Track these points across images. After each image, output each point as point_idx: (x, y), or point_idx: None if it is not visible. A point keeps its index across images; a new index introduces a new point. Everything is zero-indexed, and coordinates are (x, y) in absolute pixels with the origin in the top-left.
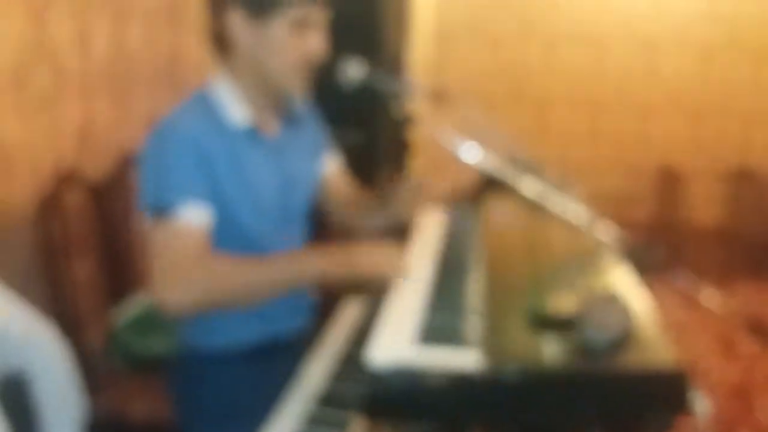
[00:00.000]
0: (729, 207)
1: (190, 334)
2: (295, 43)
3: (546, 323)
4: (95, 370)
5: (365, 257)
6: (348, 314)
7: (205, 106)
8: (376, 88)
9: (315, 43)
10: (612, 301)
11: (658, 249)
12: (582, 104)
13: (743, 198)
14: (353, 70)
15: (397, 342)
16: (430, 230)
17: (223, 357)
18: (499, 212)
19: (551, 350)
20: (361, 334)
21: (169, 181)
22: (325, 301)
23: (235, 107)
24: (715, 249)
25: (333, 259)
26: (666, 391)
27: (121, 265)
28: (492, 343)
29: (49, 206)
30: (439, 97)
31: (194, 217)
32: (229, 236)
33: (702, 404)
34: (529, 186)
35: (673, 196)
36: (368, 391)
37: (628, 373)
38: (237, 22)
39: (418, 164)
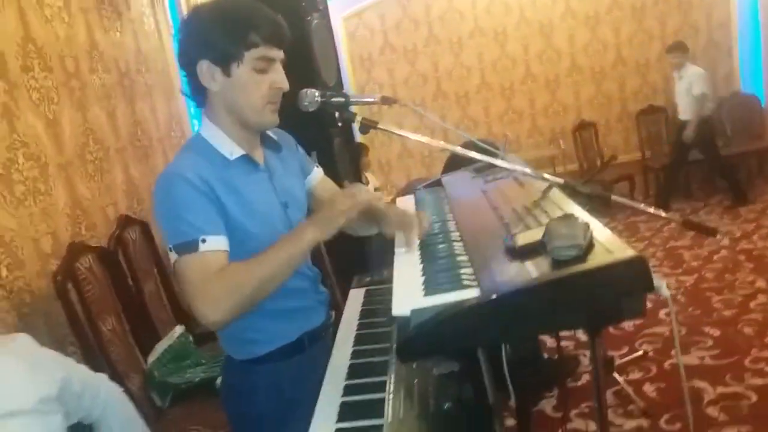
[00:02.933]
0: (639, 141)
1: (233, 348)
2: (259, 80)
3: (520, 253)
4: (141, 412)
5: (337, 203)
6: (353, 303)
7: (200, 147)
8: (333, 106)
9: (276, 77)
10: (570, 217)
11: (595, 185)
12: (496, 90)
13: (649, 131)
14: (311, 97)
15: (411, 297)
16: (407, 207)
17: (267, 360)
18: (458, 183)
19: (532, 270)
20: (367, 316)
21: (186, 221)
22: (336, 295)
23: (226, 143)
24: (638, 177)
25: (317, 221)
26: (632, 275)
27: (141, 316)
28: (483, 279)
29: (64, 277)
30: (388, 101)
31: (214, 246)
32: (249, 254)
33: (662, 284)
34: (481, 157)
35: (592, 144)
36: (398, 339)
37: (599, 269)
38: (206, 72)
39: (368, 162)
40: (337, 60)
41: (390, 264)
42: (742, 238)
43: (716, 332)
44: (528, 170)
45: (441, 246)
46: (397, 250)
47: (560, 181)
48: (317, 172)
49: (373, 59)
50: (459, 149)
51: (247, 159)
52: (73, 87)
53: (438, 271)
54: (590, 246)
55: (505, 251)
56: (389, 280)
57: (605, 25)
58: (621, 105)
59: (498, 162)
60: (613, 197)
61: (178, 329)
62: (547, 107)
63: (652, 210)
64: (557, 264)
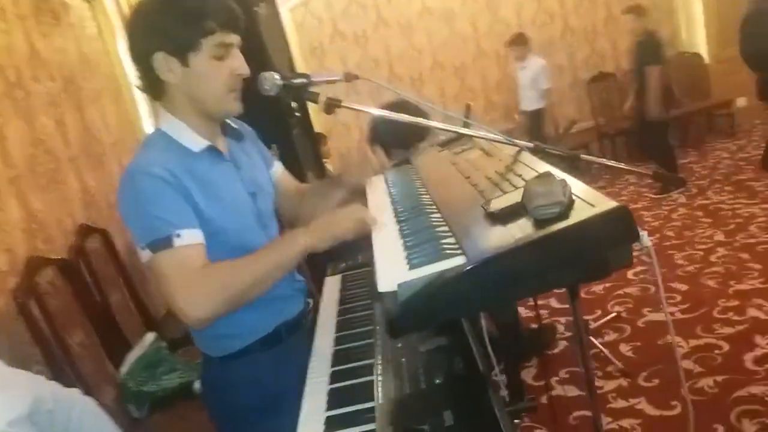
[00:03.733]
0: (592, 108)
1: (209, 346)
2: (218, 68)
3: (501, 218)
4: (118, 424)
5: (336, 218)
6: (330, 290)
7: (162, 142)
8: (295, 87)
9: (236, 62)
10: (547, 176)
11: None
12: (449, 70)
13: (601, 98)
14: (271, 80)
15: (396, 272)
16: (377, 187)
17: (245, 354)
18: (427, 159)
19: (515, 233)
20: (347, 301)
21: (157, 218)
22: (313, 281)
23: (187, 136)
24: (593, 144)
25: (313, 230)
26: (618, 226)
27: (109, 327)
28: (467, 247)
29: (24, 293)
30: (351, 77)
31: (190, 240)
32: (219, 247)
33: (643, 234)
34: (445, 128)
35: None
36: (387, 316)
37: (583, 223)
38: (163, 65)
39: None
40: (288, 50)
41: (363, 249)
42: (698, 194)
43: (683, 287)
44: (496, 136)
45: (418, 219)
46: (373, 229)
47: (530, 144)
48: (278, 166)
49: (324, 48)
50: (427, 122)
51: (212, 150)
52: (16, 97)
53: (419, 243)
54: (570, 202)
55: (485, 217)
56: (366, 265)
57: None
58: (572, 74)
59: (465, 130)
60: (583, 156)
61: (150, 337)
62: (500, 83)
63: (623, 165)
64: (540, 224)
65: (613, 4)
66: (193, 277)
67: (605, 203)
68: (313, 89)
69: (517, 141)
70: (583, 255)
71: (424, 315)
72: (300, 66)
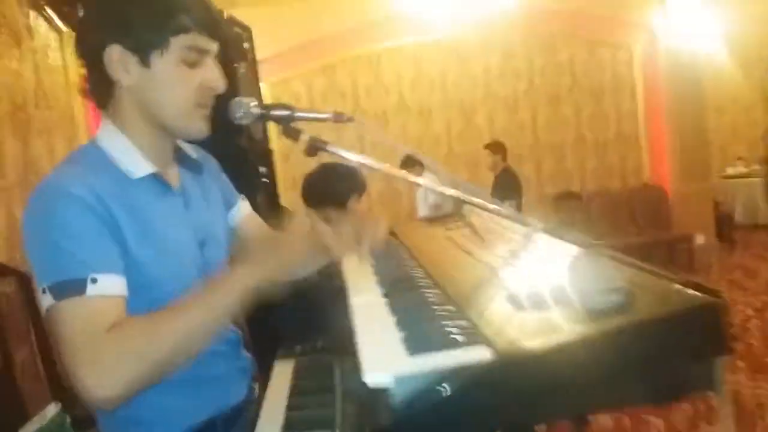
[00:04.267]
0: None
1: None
2: (187, 76)
3: (534, 303)
4: None
5: (283, 241)
6: (279, 378)
7: (93, 159)
8: (274, 119)
9: (209, 73)
10: (596, 257)
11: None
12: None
13: (566, 217)
14: (246, 107)
15: (390, 359)
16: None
17: None
18: (413, 232)
19: (562, 322)
20: (300, 394)
21: (70, 253)
22: (260, 363)
23: (129, 156)
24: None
25: (254, 262)
26: (705, 324)
27: (7, 390)
28: (491, 335)
29: None
30: (342, 119)
31: (108, 290)
32: (148, 305)
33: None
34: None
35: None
36: (376, 420)
37: (658, 317)
38: (115, 60)
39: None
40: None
41: (320, 331)
42: None
43: None
44: (502, 210)
45: (411, 295)
46: (353, 300)
47: (540, 226)
48: (243, 206)
49: (298, 125)
50: (422, 181)
51: (156, 179)
52: None
53: (416, 322)
54: (625, 287)
55: (507, 299)
56: (326, 350)
57: (523, 109)
58: (538, 187)
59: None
60: (604, 248)
61: (52, 408)
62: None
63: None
64: (595, 314)
65: (583, 125)
66: (103, 339)
67: (687, 297)
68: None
69: (529, 219)
70: (652, 362)
71: (437, 424)
72: (273, 139)
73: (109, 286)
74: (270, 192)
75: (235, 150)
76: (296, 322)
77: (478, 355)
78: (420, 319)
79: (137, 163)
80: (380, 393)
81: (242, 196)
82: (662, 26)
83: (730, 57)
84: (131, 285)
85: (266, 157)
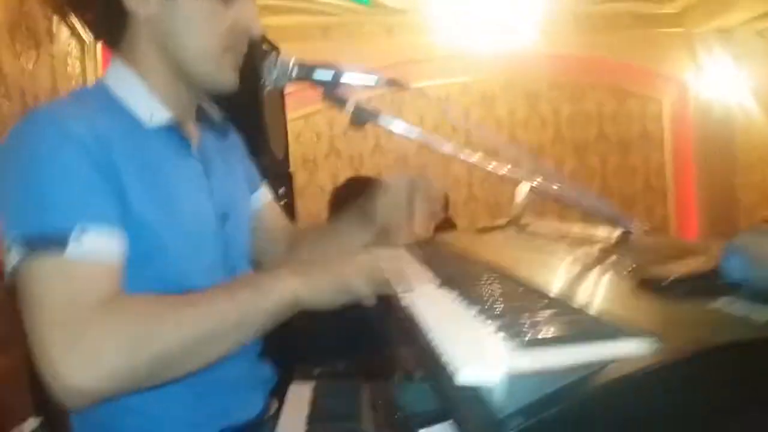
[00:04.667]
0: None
1: None
2: (219, 13)
3: (684, 290)
4: None
5: (343, 262)
6: (295, 400)
7: (102, 98)
8: (318, 83)
9: (244, 11)
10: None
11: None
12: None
13: None
14: (284, 66)
15: (490, 353)
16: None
17: None
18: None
19: (738, 309)
20: (321, 419)
21: (53, 197)
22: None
23: (143, 101)
24: None
25: (305, 273)
26: None
27: None
28: (653, 326)
29: None
30: (396, 84)
31: (98, 250)
32: (149, 281)
33: None
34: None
35: None
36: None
37: None
38: None
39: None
40: (286, 137)
41: (343, 353)
42: None
43: None
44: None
45: (492, 287)
46: (407, 295)
47: (642, 227)
48: (265, 193)
49: (317, 162)
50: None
51: (174, 131)
52: None
53: (514, 313)
54: None
55: (644, 287)
56: (349, 374)
57: (548, 158)
58: None
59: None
60: None
61: (31, 423)
62: None
63: None
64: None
65: (609, 176)
66: (88, 315)
67: None
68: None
69: (625, 218)
70: None
71: None
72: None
73: (99, 246)
74: (288, 214)
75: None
76: (318, 341)
77: (640, 347)
78: (516, 310)
79: (151, 108)
80: (473, 399)
81: (265, 181)
82: (694, 80)
83: (763, 114)
84: (132, 253)
85: (286, 179)
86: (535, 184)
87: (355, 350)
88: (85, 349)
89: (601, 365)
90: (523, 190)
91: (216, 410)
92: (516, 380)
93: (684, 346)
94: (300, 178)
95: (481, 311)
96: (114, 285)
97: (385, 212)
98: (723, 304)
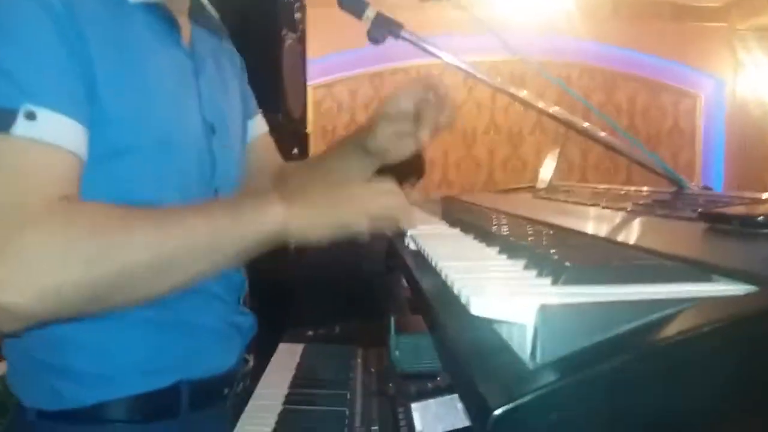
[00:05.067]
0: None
1: (28, 386)
2: None
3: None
4: None
5: (346, 197)
6: (281, 361)
7: None
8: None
9: None
10: None
11: None
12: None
13: None
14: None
15: (524, 288)
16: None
17: (89, 420)
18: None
19: None
20: (307, 381)
21: (5, 68)
22: (263, 339)
23: None
24: None
25: (300, 203)
26: None
27: None
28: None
29: None
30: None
31: (56, 133)
32: (113, 187)
33: None
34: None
35: None
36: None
37: None
38: None
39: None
40: (305, 97)
41: (342, 316)
42: None
43: None
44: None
45: (502, 230)
46: (413, 232)
47: (695, 185)
48: (260, 123)
49: (336, 133)
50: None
51: (160, 12)
52: None
53: (544, 249)
54: None
55: (718, 227)
56: (344, 339)
57: (573, 146)
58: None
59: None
60: None
61: None
62: None
63: None
64: None
65: (637, 114)
66: (35, 210)
67: None
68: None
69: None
70: None
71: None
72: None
73: (56, 130)
74: None
75: (269, 125)
76: (313, 301)
77: (730, 289)
78: (551, 247)
79: None
80: (488, 343)
81: (261, 111)
82: (732, 77)
83: None
84: (93, 153)
85: (302, 139)
86: (585, 126)
87: (352, 312)
88: (21, 256)
89: (679, 306)
90: (553, 156)
91: (179, 358)
92: (554, 320)
93: None
94: (318, 149)
95: (504, 250)
96: (70, 182)
97: (386, 133)
98: None
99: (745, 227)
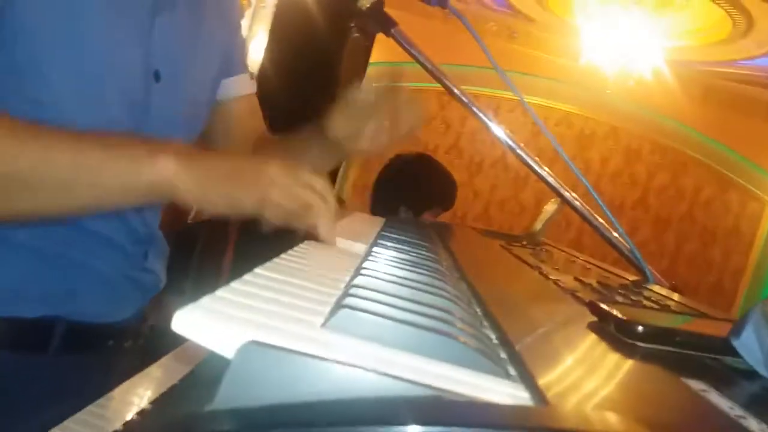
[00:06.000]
0: None
1: None
2: None
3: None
4: None
5: (254, 176)
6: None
7: None
8: None
9: None
10: None
11: None
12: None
13: None
14: None
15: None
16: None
17: None
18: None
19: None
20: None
21: None
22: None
23: None
24: None
25: (195, 163)
26: None
27: None
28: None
29: None
30: None
31: None
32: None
33: None
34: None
35: None
36: None
37: None
38: None
39: None
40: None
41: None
42: None
43: None
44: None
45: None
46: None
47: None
48: (243, 83)
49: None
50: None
51: None
52: None
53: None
54: None
55: (602, 327)
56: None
57: (626, 222)
58: None
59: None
60: None
61: None
62: None
63: None
64: None
65: (681, 261)
66: None
67: None
68: None
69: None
70: None
71: None
72: None
73: None
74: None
75: (316, 109)
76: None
77: (508, 392)
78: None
79: None
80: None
81: (251, 73)
82: None
83: None
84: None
85: None
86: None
87: None
88: None
89: (421, 391)
90: (551, 207)
91: (53, 292)
92: (255, 361)
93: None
94: None
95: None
96: None
97: (339, 120)
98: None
99: (619, 331)
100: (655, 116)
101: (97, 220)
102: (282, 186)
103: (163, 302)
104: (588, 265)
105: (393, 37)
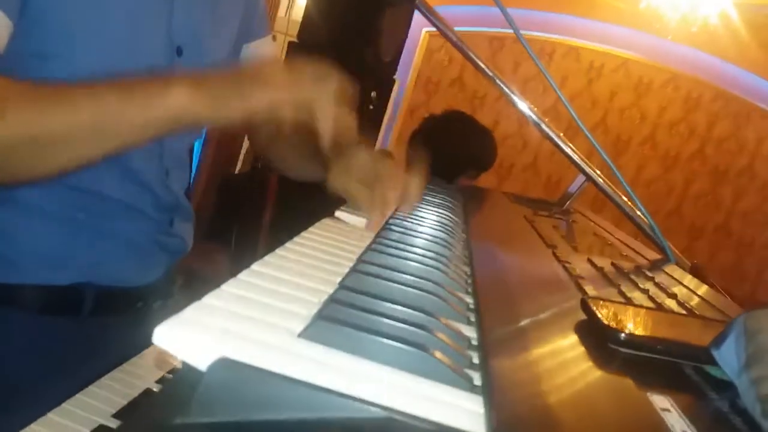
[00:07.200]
0: None
1: None
2: None
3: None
4: None
5: (261, 76)
6: None
7: None
8: None
9: None
10: None
11: None
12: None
13: None
14: None
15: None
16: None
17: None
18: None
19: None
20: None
21: None
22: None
23: None
24: None
25: (205, 84)
26: None
27: None
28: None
29: None
30: None
31: None
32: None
33: None
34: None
35: None
36: None
37: None
38: None
39: None
40: (403, 42)
41: None
42: None
43: None
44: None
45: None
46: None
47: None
48: (265, 45)
49: (440, 88)
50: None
51: None
52: None
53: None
54: None
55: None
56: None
57: (676, 173)
58: None
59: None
60: None
61: None
62: None
63: None
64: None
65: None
66: None
67: None
68: None
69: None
70: None
71: None
72: (404, 89)
73: None
74: (372, 122)
75: (354, 60)
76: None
77: (466, 406)
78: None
79: None
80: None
81: (273, 34)
82: None
83: None
84: (13, 49)
85: (384, 84)
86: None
87: None
88: None
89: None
90: (580, 179)
91: (84, 259)
92: (227, 377)
93: None
94: (415, 99)
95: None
96: None
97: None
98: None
99: (602, 336)
100: (718, 63)
101: (124, 190)
102: (287, 82)
103: (203, 253)
104: (611, 240)
105: (417, 8)
